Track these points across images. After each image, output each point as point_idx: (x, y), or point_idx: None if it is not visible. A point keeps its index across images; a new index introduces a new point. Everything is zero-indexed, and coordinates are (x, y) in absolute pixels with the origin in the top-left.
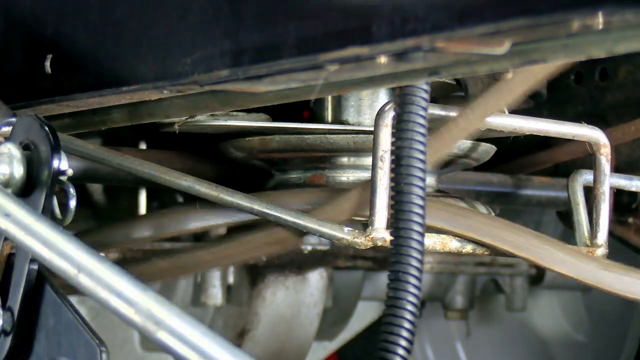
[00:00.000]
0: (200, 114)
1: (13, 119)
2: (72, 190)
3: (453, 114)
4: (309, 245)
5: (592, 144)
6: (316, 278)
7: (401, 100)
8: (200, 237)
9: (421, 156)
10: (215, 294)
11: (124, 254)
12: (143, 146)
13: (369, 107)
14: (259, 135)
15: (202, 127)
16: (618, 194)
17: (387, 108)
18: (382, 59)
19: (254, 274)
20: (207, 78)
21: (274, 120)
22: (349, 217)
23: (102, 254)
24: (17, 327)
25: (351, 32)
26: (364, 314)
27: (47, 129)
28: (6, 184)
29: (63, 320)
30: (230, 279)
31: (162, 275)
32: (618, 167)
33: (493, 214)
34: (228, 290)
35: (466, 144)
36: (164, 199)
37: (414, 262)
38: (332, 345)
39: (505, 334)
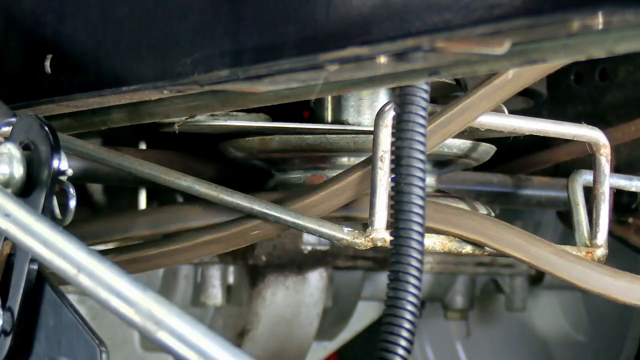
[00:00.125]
0: (200, 114)
1: (13, 119)
2: (72, 190)
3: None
4: (308, 245)
5: (591, 144)
6: (316, 278)
7: (401, 100)
8: None
9: (421, 156)
10: (215, 294)
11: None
12: (143, 146)
13: (369, 107)
14: (259, 135)
15: (202, 127)
16: (618, 194)
17: (387, 108)
18: (382, 59)
19: (254, 274)
20: (207, 78)
21: (274, 120)
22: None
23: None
24: (17, 327)
25: (351, 32)
26: (364, 314)
27: (47, 129)
28: (6, 184)
29: (63, 320)
30: (230, 279)
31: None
32: (618, 167)
33: (493, 214)
34: (228, 290)
35: (466, 144)
36: (164, 199)
37: (414, 262)
38: (332, 345)
39: (505, 334)
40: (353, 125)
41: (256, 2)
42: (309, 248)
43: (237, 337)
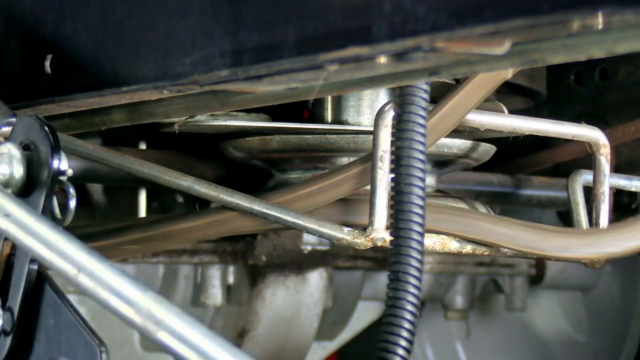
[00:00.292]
0: (200, 114)
1: (13, 119)
2: (72, 191)
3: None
4: (308, 245)
5: (591, 144)
6: (316, 278)
7: (401, 100)
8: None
9: (421, 156)
10: (215, 294)
11: None
12: (143, 146)
13: (369, 107)
14: (259, 135)
15: (202, 127)
16: (618, 195)
17: (387, 108)
18: (382, 59)
19: (254, 274)
20: (207, 78)
21: (274, 120)
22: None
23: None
24: (17, 327)
25: (351, 32)
26: (364, 314)
27: (47, 129)
28: (6, 184)
29: (63, 320)
30: (230, 279)
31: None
32: (618, 167)
33: (493, 214)
34: (228, 290)
35: (466, 144)
36: (164, 199)
37: (414, 262)
38: (332, 345)
39: (505, 334)
40: (353, 125)
41: (256, 2)
42: (309, 248)
43: (237, 337)
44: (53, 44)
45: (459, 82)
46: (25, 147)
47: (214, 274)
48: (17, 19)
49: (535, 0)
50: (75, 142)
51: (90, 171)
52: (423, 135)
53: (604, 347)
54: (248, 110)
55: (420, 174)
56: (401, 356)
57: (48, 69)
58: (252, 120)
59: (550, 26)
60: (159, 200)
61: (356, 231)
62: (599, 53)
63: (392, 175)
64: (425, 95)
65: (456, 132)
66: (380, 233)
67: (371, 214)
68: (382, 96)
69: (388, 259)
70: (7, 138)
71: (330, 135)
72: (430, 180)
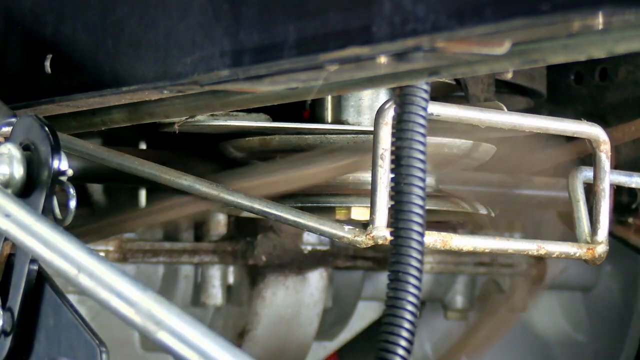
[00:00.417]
0: (200, 114)
1: (13, 119)
2: (72, 191)
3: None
4: (309, 245)
5: (591, 140)
6: (316, 278)
7: (401, 100)
8: (201, 237)
9: (421, 156)
10: (215, 294)
11: (124, 254)
12: (143, 146)
13: (369, 107)
14: (259, 135)
15: (202, 127)
16: (618, 194)
17: (387, 106)
18: (382, 59)
19: (254, 274)
20: (207, 78)
21: (274, 120)
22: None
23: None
24: (17, 328)
25: (351, 32)
26: (364, 314)
27: (47, 129)
28: (6, 184)
29: (63, 320)
30: (230, 279)
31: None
32: (618, 167)
33: (493, 214)
34: (228, 290)
35: (466, 144)
36: (164, 199)
37: (414, 262)
38: (332, 345)
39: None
40: (353, 125)
41: (256, 2)
42: (309, 248)
43: (237, 337)
44: (53, 44)
45: (458, 82)
46: (25, 147)
47: (214, 274)
48: (17, 19)
49: (535, 0)
50: (75, 142)
51: (90, 171)
52: (423, 135)
53: (604, 347)
54: (248, 110)
55: (420, 174)
56: (401, 356)
57: (48, 69)
58: (252, 120)
59: (550, 26)
60: (159, 200)
61: (357, 229)
62: (599, 53)
63: (392, 175)
64: (425, 95)
65: (456, 132)
66: (381, 231)
67: (372, 212)
68: (382, 96)
69: (388, 259)
70: (7, 138)
71: (330, 135)
72: (430, 180)
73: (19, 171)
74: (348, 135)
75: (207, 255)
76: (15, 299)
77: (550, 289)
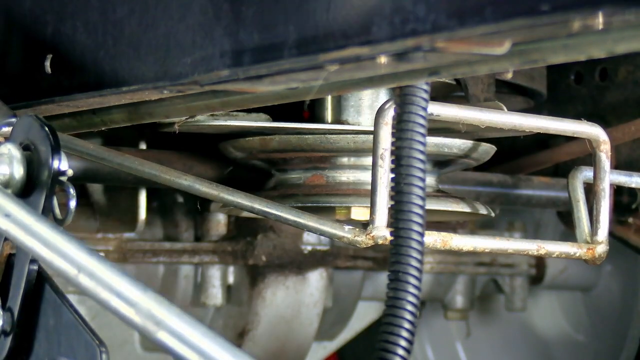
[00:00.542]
0: (200, 114)
1: (13, 119)
2: (72, 191)
3: (453, 113)
4: (309, 245)
5: (591, 140)
6: (316, 278)
7: (401, 100)
8: (201, 237)
9: (421, 156)
10: (215, 294)
11: (124, 254)
12: (143, 146)
13: (369, 107)
14: (259, 135)
15: (202, 127)
16: (618, 194)
17: (387, 106)
18: (382, 59)
19: (254, 274)
20: (207, 78)
21: (274, 120)
22: None
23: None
24: (17, 328)
25: (351, 32)
26: (364, 314)
27: (47, 129)
28: (6, 185)
29: (63, 320)
30: (230, 279)
31: None
32: (618, 167)
33: (493, 214)
34: (228, 290)
35: (466, 144)
36: (164, 199)
37: (414, 262)
38: (332, 345)
39: (505, 334)
40: (353, 125)
41: (256, 2)
42: (309, 248)
43: (237, 337)
44: (53, 44)
45: (458, 82)
46: (25, 148)
47: (214, 274)
48: (17, 19)
49: (535, 0)
50: (75, 142)
51: (90, 171)
52: (423, 135)
53: (604, 347)
54: (248, 110)
55: (420, 174)
56: (401, 356)
57: (48, 69)
58: (252, 120)
59: (550, 26)
60: (159, 200)
61: (357, 229)
62: (599, 53)
63: (392, 175)
64: (426, 95)
65: (456, 132)
66: (381, 231)
67: (372, 212)
68: (382, 96)
69: (388, 259)
70: (7, 138)
71: (330, 135)
72: (430, 180)
73: (19, 171)
74: (348, 135)
75: (207, 255)
76: (15, 299)
77: (550, 289)
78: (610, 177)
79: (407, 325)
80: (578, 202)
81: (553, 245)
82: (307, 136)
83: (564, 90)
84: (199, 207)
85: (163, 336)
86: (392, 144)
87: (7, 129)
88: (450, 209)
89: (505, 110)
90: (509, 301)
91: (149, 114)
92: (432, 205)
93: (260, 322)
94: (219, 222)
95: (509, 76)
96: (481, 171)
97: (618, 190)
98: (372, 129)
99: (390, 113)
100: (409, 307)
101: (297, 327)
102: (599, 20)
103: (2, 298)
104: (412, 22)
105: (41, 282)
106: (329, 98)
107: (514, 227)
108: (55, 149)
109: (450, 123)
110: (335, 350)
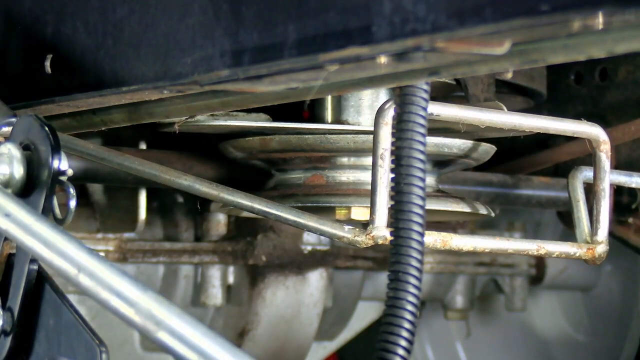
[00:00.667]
0: (200, 114)
1: (13, 119)
2: (72, 191)
3: (453, 113)
4: (308, 245)
5: (591, 140)
6: (316, 278)
7: (401, 100)
8: (201, 237)
9: (421, 156)
10: (215, 294)
11: (124, 254)
12: (143, 146)
13: (369, 107)
14: (259, 135)
15: (202, 127)
16: (618, 194)
17: (387, 106)
18: (382, 59)
19: (254, 274)
20: (207, 78)
21: (274, 120)
22: None
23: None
24: (17, 327)
25: (351, 32)
26: (364, 314)
27: (47, 129)
28: (6, 184)
29: (63, 320)
30: (230, 279)
31: None
32: (618, 167)
33: (493, 214)
34: (228, 290)
35: (466, 144)
36: (164, 199)
37: (414, 262)
38: (332, 345)
39: (505, 334)
40: (353, 125)
41: (256, 2)
42: (309, 248)
43: (237, 337)
44: (53, 44)
45: (458, 82)
46: (25, 147)
47: (214, 274)
48: (17, 19)
49: (535, 0)
50: (75, 142)
51: (90, 171)
52: (423, 135)
53: (604, 347)
54: (248, 110)
55: (420, 174)
56: (401, 356)
57: (48, 69)
58: (252, 120)
59: (550, 26)
60: (159, 200)
61: (357, 229)
62: (599, 53)
63: (392, 175)
64: (426, 95)
65: (456, 132)
66: (381, 231)
67: (372, 212)
68: (382, 96)
69: (388, 259)
70: (7, 138)
71: (330, 135)
72: (430, 180)
73: (19, 171)
74: (348, 135)
75: (207, 255)
76: (15, 299)
77: (550, 289)
78: (610, 177)
79: (407, 325)
80: (578, 202)
81: (553, 245)
82: (307, 136)
83: (564, 90)
84: (199, 207)
85: (163, 336)
86: (392, 144)
87: (7, 129)
88: (450, 209)
89: (505, 110)
90: (509, 301)
91: (149, 114)
92: (432, 205)
93: (260, 322)
94: (219, 222)
95: (509, 76)
96: (481, 171)
97: (618, 190)
98: (372, 129)
99: (390, 113)
100: (409, 307)
101: (297, 327)
102: (599, 20)
103: (2, 298)
104: (412, 22)
105: (41, 281)
106: (329, 98)
107: (514, 227)
108: (55, 149)
109: (450, 123)
110: (335, 350)
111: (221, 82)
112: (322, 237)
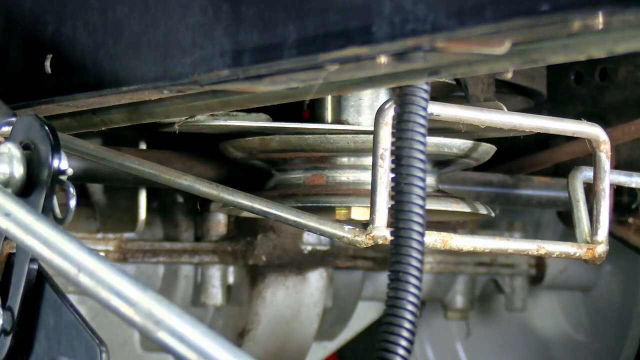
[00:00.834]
0: (200, 114)
1: (13, 119)
2: (72, 190)
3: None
4: (308, 245)
5: (591, 140)
6: (316, 278)
7: (401, 100)
8: (201, 237)
9: (421, 156)
10: (215, 294)
11: (124, 254)
12: (143, 146)
13: (369, 107)
14: (259, 135)
15: (202, 127)
16: (618, 194)
17: (387, 106)
18: (382, 59)
19: (254, 274)
20: (207, 78)
21: (274, 120)
22: None
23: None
24: (17, 327)
25: (351, 32)
26: (364, 314)
27: (47, 128)
28: (6, 184)
29: (63, 320)
30: (230, 279)
31: None
32: (618, 167)
33: (493, 214)
34: (228, 290)
35: (466, 144)
36: (164, 199)
37: (414, 262)
38: (332, 345)
39: (505, 334)
40: (353, 125)
41: (256, 2)
42: (309, 248)
43: (237, 337)
44: (53, 44)
45: (458, 82)
46: (25, 147)
47: (214, 274)
48: (17, 19)
49: (535, 0)
50: (75, 141)
51: (90, 171)
52: (423, 135)
53: (604, 347)
54: (248, 110)
55: (420, 174)
56: (401, 356)
57: (48, 69)
58: (252, 120)
59: (550, 26)
60: (159, 200)
61: (357, 229)
62: (599, 53)
63: (392, 175)
64: (426, 95)
65: (456, 132)
66: (381, 231)
67: (372, 212)
68: (382, 96)
69: (388, 259)
70: (7, 138)
71: (330, 135)
72: (431, 180)
73: (19, 170)
74: (348, 135)
75: (207, 255)
76: (15, 299)
77: (550, 289)
78: (610, 177)
79: (407, 325)
80: (578, 202)
81: (553, 245)
82: (307, 136)
83: (564, 90)
84: (199, 207)
85: (163, 336)
86: (392, 144)
87: (7, 129)
88: (450, 209)
89: (505, 110)
90: (509, 301)
91: (149, 114)
92: (432, 205)
93: (260, 322)
94: (219, 222)
95: (509, 76)
96: (481, 171)
97: (618, 190)
98: (372, 129)
99: (390, 113)
100: (409, 307)
101: (297, 327)
102: (599, 20)
103: (2, 297)
104: (412, 22)
105: (41, 281)
106: (329, 98)
107: (514, 227)
108: (55, 148)
109: (450, 123)
110: (335, 350)
111: (221, 82)
112: (322, 237)
